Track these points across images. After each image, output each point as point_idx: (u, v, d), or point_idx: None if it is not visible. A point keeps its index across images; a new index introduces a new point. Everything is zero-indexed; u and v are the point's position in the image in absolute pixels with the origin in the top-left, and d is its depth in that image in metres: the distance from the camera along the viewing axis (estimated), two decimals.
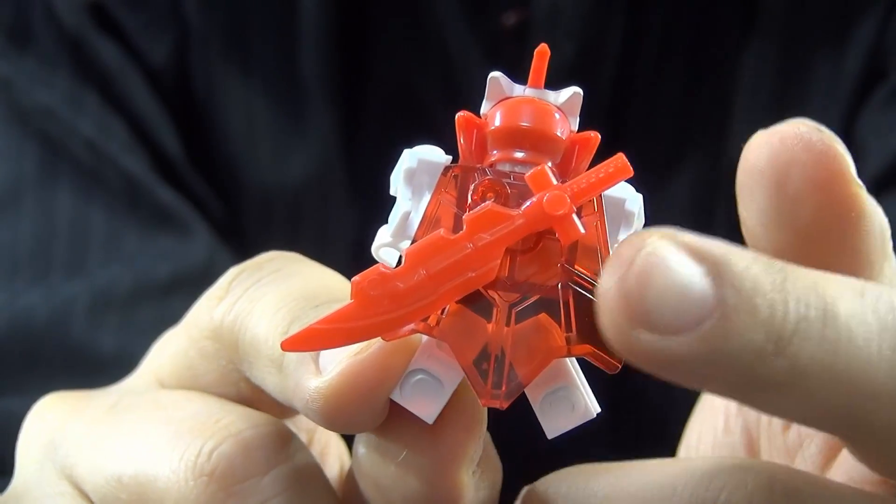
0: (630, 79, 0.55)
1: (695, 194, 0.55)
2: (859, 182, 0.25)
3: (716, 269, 0.22)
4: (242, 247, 0.54)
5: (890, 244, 0.26)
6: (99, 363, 0.48)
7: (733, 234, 0.61)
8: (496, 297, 0.24)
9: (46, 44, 0.53)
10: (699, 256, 0.22)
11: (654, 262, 0.22)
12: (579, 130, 0.25)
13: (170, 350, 0.30)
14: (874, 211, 0.25)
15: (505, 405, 0.24)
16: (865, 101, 0.54)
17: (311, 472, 0.27)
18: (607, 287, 0.22)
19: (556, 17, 0.53)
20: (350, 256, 0.51)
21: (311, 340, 0.23)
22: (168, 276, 0.50)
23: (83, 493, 0.28)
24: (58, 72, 0.52)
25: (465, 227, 0.23)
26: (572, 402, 0.25)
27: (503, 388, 0.24)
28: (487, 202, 0.23)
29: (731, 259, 0.22)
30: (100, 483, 0.28)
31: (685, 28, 0.55)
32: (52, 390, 0.35)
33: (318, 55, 0.53)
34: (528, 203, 0.23)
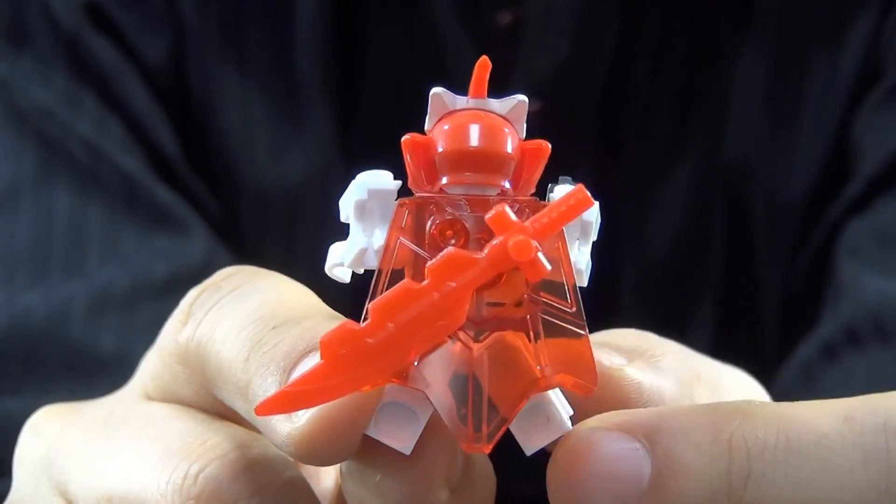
0: (625, 77, 0.55)
1: (691, 193, 0.55)
2: None
3: (646, 439, 0.22)
4: (240, 246, 0.54)
5: None
6: (98, 363, 0.48)
7: (731, 232, 0.62)
8: (465, 336, 0.23)
9: (43, 43, 0.53)
10: (628, 431, 0.22)
11: (578, 453, 0.22)
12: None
13: (149, 371, 0.30)
14: None
15: (487, 449, 0.24)
16: (861, 101, 0.54)
17: (299, 491, 0.27)
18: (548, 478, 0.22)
19: (549, 15, 0.53)
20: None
21: (284, 404, 0.23)
22: (166, 276, 0.50)
23: None
24: (55, 71, 0.52)
25: (428, 275, 0.23)
26: (547, 415, 0.24)
27: (483, 431, 0.23)
28: (449, 247, 0.23)
29: (661, 424, 0.22)
30: (91, 502, 0.28)
31: (681, 26, 0.55)
32: (52, 390, 0.35)
33: (313, 55, 0.54)
34: (489, 245, 0.23)
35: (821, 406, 0.22)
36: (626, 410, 0.23)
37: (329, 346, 0.23)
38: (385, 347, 0.22)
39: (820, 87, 0.54)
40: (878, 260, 0.51)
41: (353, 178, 0.55)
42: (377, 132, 0.53)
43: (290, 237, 0.54)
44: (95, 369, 0.47)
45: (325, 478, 0.32)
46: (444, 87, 0.54)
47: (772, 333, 0.56)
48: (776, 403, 0.23)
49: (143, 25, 0.54)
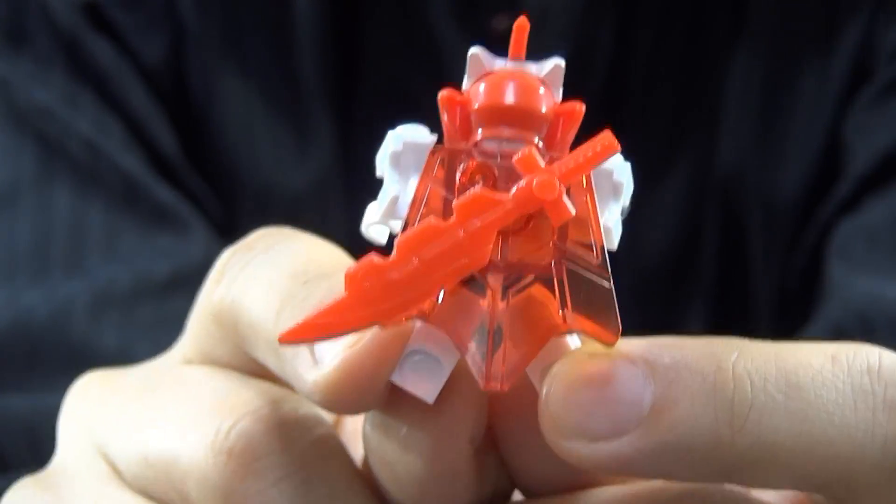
0: (621, 82, 0.55)
1: (685, 197, 0.56)
2: None
3: (647, 366, 0.22)
4: None
5: None
6: (100, 361, 0.48)
7: (724, 236, 0.62)
8: (490, 279, 0.24)
9: (42, 43, 0.53)
10: (628, 356, 0.22)
11: (578, 375, 0.22)
12: (564, 100, 0.25)
13: (188, 334, 0.30)
14: None
15: (505, 387, 0.24)
16: (852, 102, 0.55)
17: (331, 447, 0.27)
18: (540, 401, 0.22)
19: (546, 20, 0.54)
20: (349, 251, 0.51)
21: (306, 332, 0.23)
22: (167, 275, 0.50)
23: (118, 471, 0.29)
24: (54, 71, 0.53)
25: (454, 213, 0.23)
26: None
27: (502, 370, 0.24)
28: (476, 187, 0.23)
29: (661, 352, 0.22)
30: (130, 462, 0.28)
31: (675, 32, 0.55)
32: (54, 388, 0.35)
33: (313, 56, 0.54)
34: (517, 186, 0.23)
35: (809, 345, 0.23)
36: (625, 341, 0.23)
37: (353, 278, 0.23)
38: (408, 282, 0.22)
39: (812, 91, 0.55)
40: (866, 260, 0.52)
41: (352, 178, 0.56)
42: (376, 135, 0.54)
43: None
44: (97, 367, 0.47)
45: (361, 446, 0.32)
46: (439, 88, 0.54)
47: (765, 335, 0.57)
48: (766, 342, 0.23)
49: (141, 25, 0.54)
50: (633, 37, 0.55)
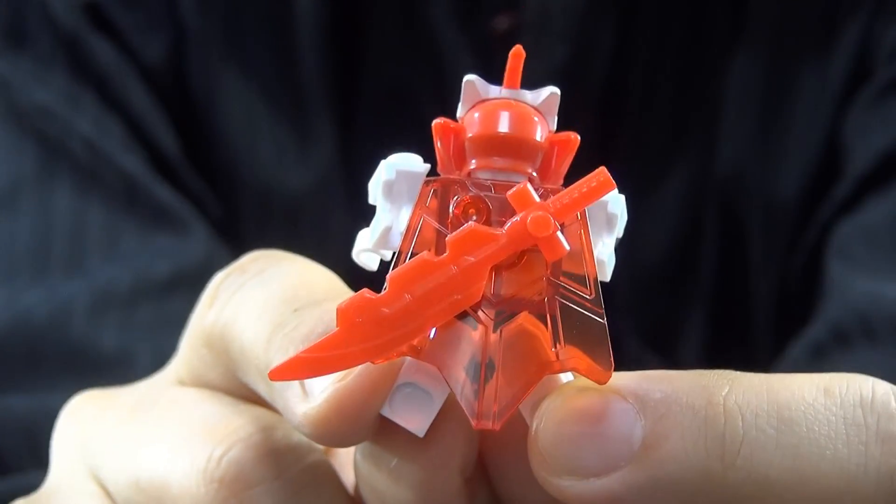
0: (620, 84, 0.55)
1: (685, 199, 0.56)
2: None
3: (637, 401, 0.22)
4: (240, 246, 0.54)
5: None
6: (99, 361, 0.48)
7: (723, 238, 0.62)
8: (483, 315, 0.23)
9: (43, 43, 0.53)
10: (618, 391, 0.22)
11: (567, 410, 0.22)
12: (560, 130, 0.25)
13: (181, 355, 0.30)
14: None
15: (497, 426, 0.23)
16: (851, 102, 0.55)
17: (323, 474, 0.27)
18: (530, 437, 0.22)
19: (547, 20, 0.54)
20: (349, 254, 0.51)
21: (298, 369, 0.23)
22: (167, 275, 0.50)
23: (109, 495, 0.29)
24: (54, 71, 0.53)
25: (448, 249, 0.23)
26: None
27: (494, 409, 0.23)
28: (470, 222, 0.23)
29: (652, 386, 0.22)
30: (121, 486, 0.28)
31: (676, 33, 0.55)
32: (54, 389, 0.35)
33: (314, 56, 0.54)
34: (510, 222, 0.23)
35: (801, 377, 0.23)
36: (618, 375, 0.23)
37: (345, 313, 0.22)
38: (400, 318, 0.22)
39: (812, 92, 0.55)
40: (866, 260, 0.52)
41: (353, 181, 0.56)
42: (377, 136, 0.54)
43: (291, 237, 0.55)
44: (97, 368, 0.48)
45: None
46: (442, 92, 0.55)
47: (764, 337, 0.57)
48: (757, 374, 0.23)
49: (142, 25, 0.54)
50: (633, 37, 0.55)
